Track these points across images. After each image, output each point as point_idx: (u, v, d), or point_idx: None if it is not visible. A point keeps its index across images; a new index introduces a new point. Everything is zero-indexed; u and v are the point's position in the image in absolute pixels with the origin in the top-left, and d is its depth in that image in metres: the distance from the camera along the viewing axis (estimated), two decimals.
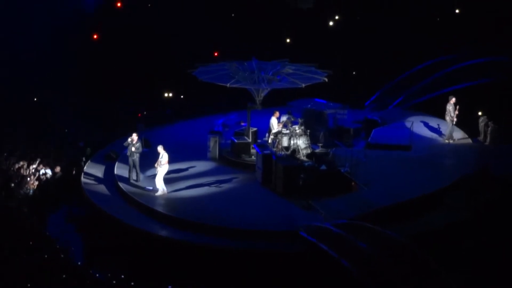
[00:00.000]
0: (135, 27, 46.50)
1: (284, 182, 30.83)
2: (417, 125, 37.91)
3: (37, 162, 34.11)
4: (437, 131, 37.63)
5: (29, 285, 22.79)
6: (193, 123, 40.66)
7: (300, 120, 34.67)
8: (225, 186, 32.02)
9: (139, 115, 36.10)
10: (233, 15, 51.04)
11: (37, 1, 43.87)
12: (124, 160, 33.68)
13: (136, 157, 32.24)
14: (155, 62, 45.72)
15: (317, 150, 34.50)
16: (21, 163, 33.90)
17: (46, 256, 25.62)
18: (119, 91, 43.72)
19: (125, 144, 32.70)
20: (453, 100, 35.94)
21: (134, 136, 32.33)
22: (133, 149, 32.11)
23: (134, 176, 32.30)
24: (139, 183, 32.07)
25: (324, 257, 25.19)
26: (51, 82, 42.61)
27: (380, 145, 35.33)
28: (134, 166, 32.31)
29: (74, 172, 34.65)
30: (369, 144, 35.57)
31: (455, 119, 35.78)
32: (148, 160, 32.80)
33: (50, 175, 33.99)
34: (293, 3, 50.68)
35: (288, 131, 34.01)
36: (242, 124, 37.41)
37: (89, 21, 46.30)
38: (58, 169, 34.41)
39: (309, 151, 33.83)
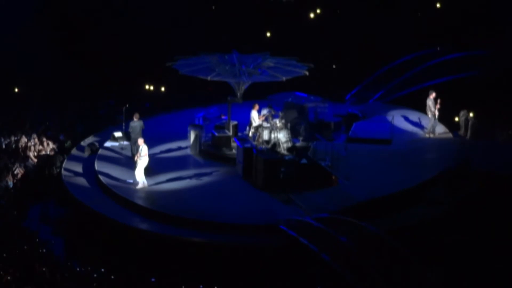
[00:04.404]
0: (116, 19, 46.40)
1: (264, 176, 30.79)
2: (398, 119, 37.94)
3: (18, 154, 33.98)
4: (418, 125, 37.66)
5: (8, 278, 22.70)
6: (173, 116, 40.48)
7: (280, 114, 34.65)
8: (206, 179, 31.94)
9: (124, 107, 36.13)
10: (213, 7, 50.95)
11: None
12: (105, 152, 33.97)
13: (135, 134, 33.09)
14: (135, 54, 45.55)
15: (297, 144, 34.50)
16: (1, 155, 33.75)
17: (25, 248, 25.56)
18: (100, 84, 43.62)
19: (131, 123, 33.67)
20: (433, 95, 35.96)
21: (137, 115, 33.70)
22: (134, 125, 33.41)
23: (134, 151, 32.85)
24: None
25: (305, 251, 25.23)
26: (32, 74, 42.44)
27: (360, 139, 35.30)
28: (134, 142, 32.95)
29: (54, 165, 34.49)
30: (349, 138, 35.54)
31: (436, 113, 35.85)
32: (128, 152, 32.72)
33: (30, 168, 33.82)
34: None
35: (268, 125, 33.99)
36: (223, 117, 37.31)
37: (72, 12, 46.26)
38: (38, 161, 34.28)
39: (289, 144, 33.83)
